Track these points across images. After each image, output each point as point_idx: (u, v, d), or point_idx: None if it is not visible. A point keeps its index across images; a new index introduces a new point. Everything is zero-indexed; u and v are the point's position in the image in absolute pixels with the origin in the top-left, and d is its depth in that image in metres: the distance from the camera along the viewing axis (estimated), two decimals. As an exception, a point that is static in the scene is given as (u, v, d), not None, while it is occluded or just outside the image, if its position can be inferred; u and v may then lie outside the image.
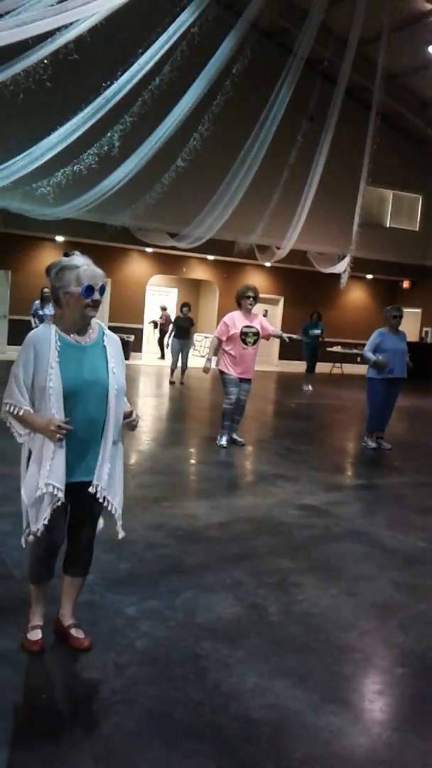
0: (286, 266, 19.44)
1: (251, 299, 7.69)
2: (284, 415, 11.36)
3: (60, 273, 2.81)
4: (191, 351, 15.12)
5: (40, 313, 13.81)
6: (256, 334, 7.70)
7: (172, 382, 14.26)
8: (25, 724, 2.52)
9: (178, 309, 15.58)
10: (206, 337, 21.51)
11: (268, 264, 19.57)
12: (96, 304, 2.83)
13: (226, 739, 2.50)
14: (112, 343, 2.98)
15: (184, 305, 14.70)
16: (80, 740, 2.43)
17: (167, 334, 15.20)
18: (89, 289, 2.77)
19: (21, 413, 2.79)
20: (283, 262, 18.48)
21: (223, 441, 7.85)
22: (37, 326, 14.65)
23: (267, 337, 7.91)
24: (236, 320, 7.70)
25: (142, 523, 4.88)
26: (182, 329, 14.30)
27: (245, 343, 7.63)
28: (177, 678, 2.88)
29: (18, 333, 17.24)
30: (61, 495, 2.78)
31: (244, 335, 7.61)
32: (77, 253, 2.88)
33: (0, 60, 9.08)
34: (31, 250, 18.03)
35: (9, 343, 17.80)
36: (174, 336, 14.38)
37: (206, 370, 7.96)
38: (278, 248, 17.50)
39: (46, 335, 2.83)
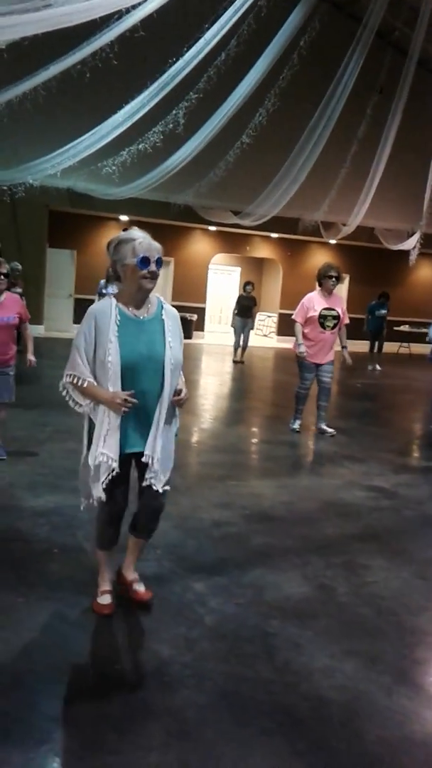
0: (353, 243, 19.04)
1: (334, 279, 7.15)
2: (350, 396, 11.18)
3: (118, 246, 2.87)
4: (253, 331, 15.05)
5: (104, 291, 13.97)
6: (336, 317, 7.16)
7: (235, 361, 14.24)
8: (98, 693, 2.56)
9: (241, 288, 15.50)
10: (269, 316, 21.39)
11: (333, 241, 19.21)
12: (153, 276, 2.84)
13: (298, 718, 2.49)
14: (171, 317, 2.99)
15: (247, 284, 14.63)
16: (153, 712, 2.46)
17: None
18: (144, 261, 2.80)
19: (85, 385, 2.85)
20: (349, 239, 18.10)
21: (296, 425, 7.51)
22: (101, 304, 14.78)
23: (340, 328, 7.32)
24: (315, 302, 7.18)
25: (209, 501, 4.89)
26: (245, 308, 14.26)
27: (323, 327, 7.13)
28: (247, 655, 2.88)
29: (83, 312, 17.57)
30: (115, 465, 2.85)
31: (323, 318, 7.11)
32: (136, 228, 2.92)
33: (70, 41, 9.11)
34: (95, 230, 18.21)
35: (75, 322, 18.08)
36: (236, 314, 14.35)
37: (300, 355, 7.27)
38: (344, 225, 17.13)
39: (107, 308, 2.88)
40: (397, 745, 2.39)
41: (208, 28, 11.36)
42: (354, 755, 2.32)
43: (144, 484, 3.00)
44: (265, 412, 9.37)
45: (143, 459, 2.93)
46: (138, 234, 2.86)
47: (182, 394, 2.95)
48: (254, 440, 7.51)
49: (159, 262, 2.85)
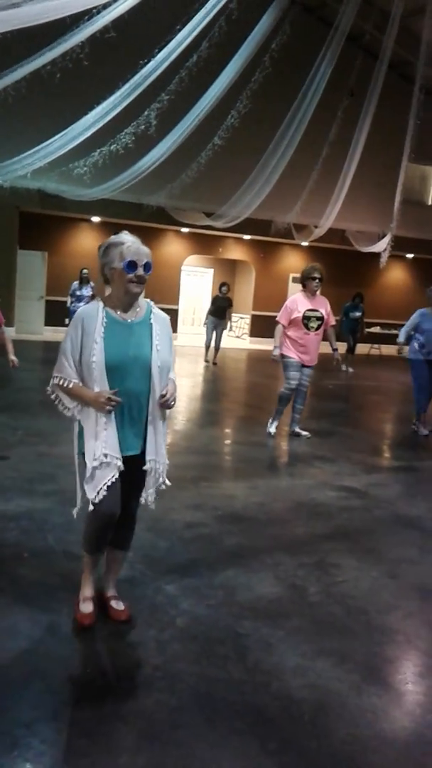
0: (324, 245, 19.17)
1: (317, 281, 7.12)
2: (322, 396, 11.25)
3: (107, 250, 2.88)
4: (226, 332, 15.08)
5: (78, 293, 13.90)
6: (320, 318, 7.15)
7: (207, 362, 14.25)
8: (69, 697, 2.55)
9: (214, 289, 15.52)
10: (241, 318, 21.44)
11: (305, 243, 19.34)
12: (140, 280, 2.86)
13: (269, 717, 2.50)
14: (160, 321, 3.00)
15: (223, 284, 14.64)
16: (124, 715, 2.45)
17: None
18: (131, 265, 2.80)
19: (71, 386, 2.87)
20: (321, 241, 18.24)
21: (273, 428, 7.47)
22: (73, 306, 14.70)
23: (324, 330, 7.31)
24: (299, 303, 7.15)
25: (181, 503, 4.89)
26: (220, 308, 14.28)
27: (307, 328, 7.11)
28: (218, 656, 2.88)
29: (54, 314, 17.51)
30: (119, 464, 2.85)
31: (306, 319, 7.10)
32: (126, 232, 2.93)
33: (39, 42, 9.05)
34: (67, 231, 18.10)
35: (46, 324, 17.96)
36: (211, 314, 14.36)
37: (274, 359, 7.35)
38: (316, 227, 17.26)
39: (94, 311, 2.89)
40: (366, 744, 2.41)
41: (180, 30, 11.37)
42: (324, 754, 2.34)
43: (145, 490, 3.05)
44: (237, 413, 9.40)
45: (147, 466, 2.95)
46: (127, 238, 2.87)
47: (167, 396, 2.94)
48: (227, 441, 7.53)
49: (147, 267, 2.86)
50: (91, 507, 2.91)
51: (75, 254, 17.78)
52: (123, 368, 2.84)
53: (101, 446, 2.83)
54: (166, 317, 3.08)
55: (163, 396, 2.92)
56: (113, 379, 2.83)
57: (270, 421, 7.57)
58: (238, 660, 2.87)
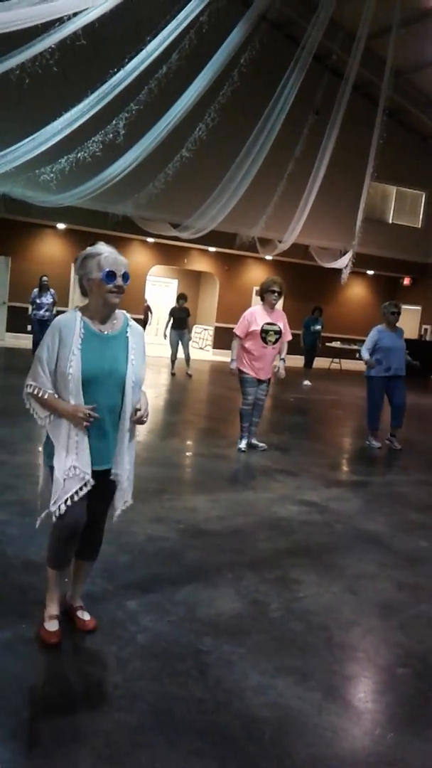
0: (288, 260, 19.38)
1: (276, 294, 7.13)
2: (283, 410, 11.33)
3: (84, 261, 2.86)
4: (190, 342, 15.09)
5: (38, 301, 13.73)
6: (278, 332, 7.15)
7: (173, 374, 14.22)
8: (26, 717, 2.49)
9: (175, 300, 15.53)
10: (205, 329, 21.48)
11: (269, 257, 19.51)
12: (119, 290, 2.85)
13: (229, 737, 2.48)
14: (136, 335, 2.99)
15: (180, 296, 14.64)
16: (82, 735, 2.40)
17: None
18: (110, 275, 2.80)
19: (45, 396, 2.83)
20: (285, 255, 18.44)
21: (242, 444, 7.43)
22: (33, 314, 14.46)
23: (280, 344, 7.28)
24: (257, 316, 7.16)
25: (142, 516, 4.85)
26: (179, 320, 14.27)
27: (265, 342, 7.10)
28: (179, 674, 2.85)
29: (17, 320, 17.31)
30: (89, 478, 2.83)
31: (264, 333, 7.08)
32: (102, 243, 2.92)
33: (9, 45, 8.97)
34: (31, 237, 17.93)
35: (8, 330, 17.72)
36: (171, 327, 14.35)
37: (232, 372, 7.35)
38: (280, 242, 17.44)
39: (71, 322, 2.86)
40: (326, 764, 2.41)
41: (150, 41, 11.41)
42: (285, 774, 2.33)
43: (113, 505, 3.04)
44: (199, 425, 9.39)
45: (111, 477, 2.93)
46: (104, 249, 2.86)
47: (141, 411, 2.92)
48: (188, 453, 7.51)
49: (125, 277, 2.85)
50: (54, 519, 2.87)
51: (39, 260, 17.62)
52: (98, 381, 2.82)
53: (72, 459, 2.81)
54: (142, 331, 3.07)
55: (137, 410, 2.90)
56: (87, 392, 2.80)
57: (239, 438, 7.54)
58: (199, 678, 2.84)
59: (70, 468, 2.80)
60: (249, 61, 12.66)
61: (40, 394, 2.83)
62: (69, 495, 2.81)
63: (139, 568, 3.94)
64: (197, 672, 2.89)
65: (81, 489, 2.83)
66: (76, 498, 2.83)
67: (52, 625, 3.01)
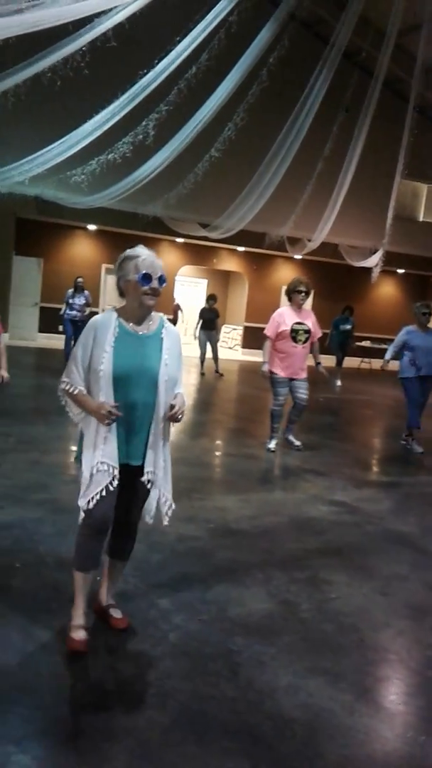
0: (317, 259, 19.29)
1: (303, 294, 7.20)
2: (312, 410, 11.27)
3: (122, 263, 2.92)
4: (218, 343, 15.16)
5: (71, 301, 13.86)
6: (308, 331, 7.20)
7: (202, 374, 14.28)
8: (59, 714, 2.53)
9: (205, 301, 15.60)
10: (234, 329, 21.48)
11: (298, 256, 19.43)
12: (154, 293, 2.88)
13: (260, 737, 2.49)
14: (171, 336, 3.02)
15: (209, 297, 14.73)
16: (115, 733, 2.43)
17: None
18: (146, 277, 2.84)
19: (75, 392, 2.88)
20: (314, 254, 18.34)
21: (272, 445, 7.42)
22: (66, 314, 14.61)
23: (312, 343, 7.33)
24: (286, 317, 7.21)
25: (173, 515, 4.81)
26: (208, 321, 14.37)
27: (295, 341, 7.14)
28: (210, 673, 2.87)
29: (48, 320, 17.49)
30: (116, 472, 2.85)
31: (294, 332, 7.13)
32: (141, 246, 2.96)
33: (41, 46, 9.06)
34: (63, 239, 18.11)
35: (40, 331, 17.92)
36: (201, 328, 14.45)
37: (264, 375, 7.34)
38: (309, 240, 17.36)
39: (108, 321, 2.91)
40: (357, 765, 2.40)
41: (180, 41, 11.44)
42: (316, 775, 2.33)
43: (151, 504, 3.02)
44: (229, 425, 9.40)
45: (145, 477, 2.93)
46: (142, 251, 2.90)
47: (176, 408, 2.92)
48: (218, 453, 7.52)
49: (161, 280, 2.89)
50: (82, 515, 2.90)
51: (70, 262, 17.80)
52: (130, 379, 2.85)
53: (99, 455, 2.84)
54: (178, 333, 3.11)
55: (172, 407, 2.91)
56: (119, 390, 2.84)
57: (268, 438, 7.53)
58: (230, 677, 2.86)
59: (98, 463, 2.84)
60: (278, 60, 12.62)
61: (71, 390, 2.89)
62: (98, 490, 2.84)
63: (170, 567, 3.96)
64: (228, 671, 2.90)
65: (110, 484, 2.85)
66: (104, 493, 2.85)
67: (78, 634, 2.95)
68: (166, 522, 3.06)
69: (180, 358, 3.03)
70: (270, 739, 2.49)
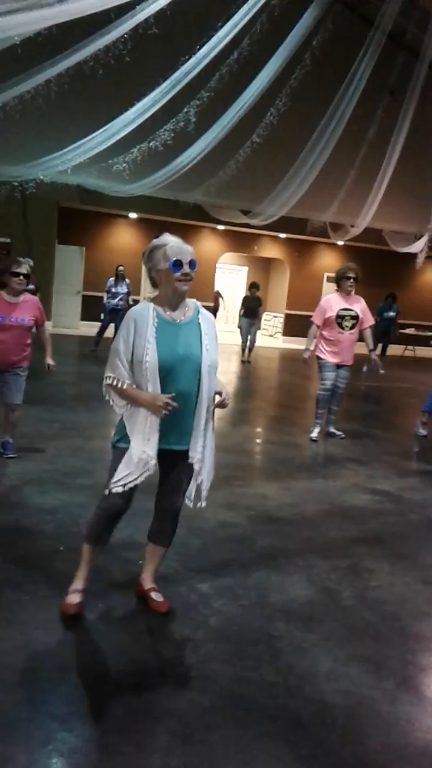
0: (360, 245, 19.03)
1: (351, 280, 7.07)
2: (354, 398, 11.16)
3: (151, 254, 2.93)
4: (259, 331, 15.12)
5: (113, 290, 13.96)
6: (355, 317, 7.09)
7: (243, 361, 14.28)
8: (102, 695, 2.57)
9: (246, 288, 15.56)
10: (275, 316, 21.38)
11: (341, 242, 19.20)
12: (187, 278, 2.89)
13: (301, 722, 2.49)
14: (207, 321, 3.04)
15: (252, 285, 14.69)
16: (157, 714, 2.46)
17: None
18: (177, 264, 2.85)
19: (124, 387, 2.90)
20: (357, 240, 18.07)
21: (315, 432, 7.39)
22: (107, 302, 14.70)
23: (360, 331, 7.23)
24: (333, 303, 7.10)
25: (213, 501, 4.84)
26: (250, 309, 14.35)
27: (341, 327, 7.05)
28: (251, 657, 2.88)
29: (91, 309, 17.66)
30: (153, 463, 2.89)
31: (340, 318, 7.04)
32: (167, 233, 2.96)
33: (81, 34, 9.10)
34: (105, 227, 18.23)
35: (82, 319, 18.11)
36: (242, 315, 14.44)
37: (305, 360, 7.25)
38: (353, 226, 17.11)
39: (145, 312, 2.92)
40: (399, 753, 2.39)
41: (221, 26, 11.34)
42: (357, 762, 2.32)
43: (189, 488, 3.04)
44: (270, 412, 9.37)
45: (191, 461, 2.97)
46: (169, 239, 2.91)
47: (224, 395, 2.99)
48: (259, 441, 7.52)
49: (192, 264, 2.89)
50: (106, 492, 2.95)
51: (112, 250, 17.91)
52: (174, 368, 2.88)
53: (143, 443, 2.88)
54: (213, 318, 3.12)
55: (219, 393, 2.97)
56: (164, 379, 2.86)
57: (312, 425, 7.50)
58: (270, 662, 2.87)
59: (141, 452, 2.87)
60: (321, 44, 12.43)
61: (119, 385, 2.90)
62: (133, 479, 2.88)
63: (210, 553, 3.98)
64: (269, 656, 2.91)
65: (142, 475, 2.89)
66: (133, 484, 2.89)
67: (72, 598, 3.09)
68: (203, 504, 3.07)
69: (217, 342, 3.05)
70: (310, 724, 2.49)
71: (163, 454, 2.96)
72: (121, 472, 2.90)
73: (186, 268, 2.87)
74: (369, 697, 2.69)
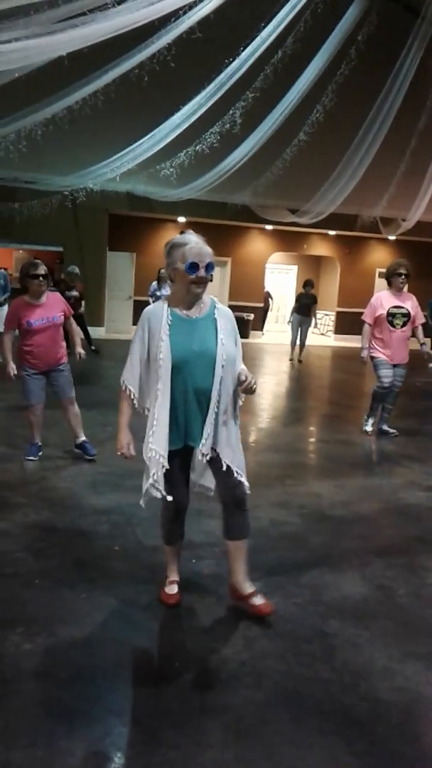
0: (413, 239, 18.70)
1: (403, 277, 6.94)
2: (409, 394, 10.97)
3: (171, 250, 2.94)
4: (311, 329, 15.02)
5: (158, 293, 14.12)
6: (407, 315, 6.95)
7: (291, 360, 14.21)
8: (158, 689, 2.61)
9: (299, 286, 15.50)
10: (326, 314, 21.20)
11: (392, 237, 18.91)
12: (201, 281, 2.89)
13: (356, 719, 2.48)
14: (223, 315, 3.04)
15: (306, 283, 14.60)
16: (211, 709, 2.49)
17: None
18: (193, 266, 2.85)
19: (127, 392, 3.04)
20: (409, 234, 17.77)
21: (368, 426, 7.35)
22: (153, 306, 14.79)
23: (412, 329, 7.11)
24: (383, 300, 6.98)
25: (266, 500, 4.90)
26: (304, 306, 14.27)
27: (392, 326, 6.93)
28: (305, 654, 2.88)
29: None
30: (163, 460, 2.94)
31: (391, 316, 6.92)
32: (191, 231, 2.97)
33: (128, 44, 9.24)
34: (154, 232, 18.42)
35: (134, 323, 18.32)
36: (296, 312, 14.37)
37: (363, 361, 7.19)
38: (404, 220, 16.84)
39: (159, 310, 2.97)
40: (458, 750, 2.35)
41: (265, 27, 11.34)
42: (411, 758, 2.30)
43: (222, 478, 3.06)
44: (322, 411, 9.31)
45: (201, 456, 2.97)
46: (191, 238, 2.91)
47: (248, 380, 2.95)
48: (312, 439, 7.48)
49: (209, 268, 2.89)
50: (143, 500, 3.07)
51: (161, 255, 18.00)
52: (188, 364, 2.89)
53: (152, 441, 2.95)
54: (230, 312, 3.11)
55: (241, 382, 2.96)
56: (178, 375, 2.89)
57: (365, 419, 7.45)
58: (325, 659, 2.86)
59: (149, 449, 2.95)
60: (366, 37, 12.28)
61: (126, 391, 3.04)
62: (152, 475, 2.95)
63: (263, 551, 3.99)
64: (323, 653, 2.90)
65: (162, 470, 2.95)
66: (156, 477, 2.95)
67: (171, 589, 3.26)
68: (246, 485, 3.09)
69: (236, 336, 3.04)
70: (366, 720, 2.48)
71: (189, 451, 3.03)
72: (149, 474, 2.98)
73: (201, 272, 2.86)
74: (426, 695, 2.65)
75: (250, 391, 2.98)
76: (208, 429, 2.94)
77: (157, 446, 2.93)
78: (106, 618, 3.09)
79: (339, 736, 2.38)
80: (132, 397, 3.03)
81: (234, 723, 2.42)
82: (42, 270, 5.36)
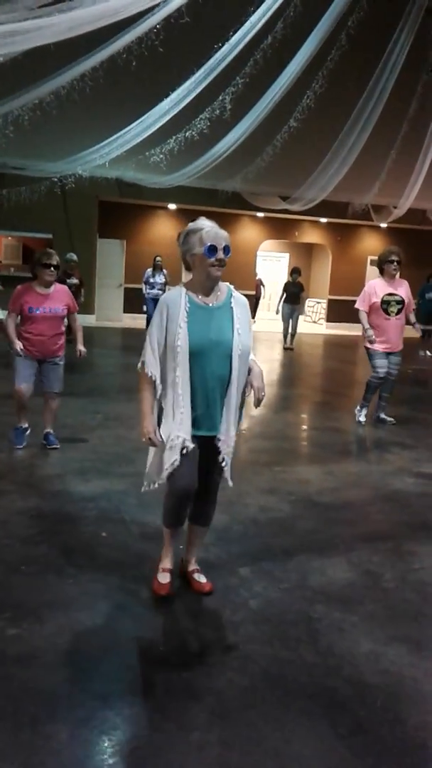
0: (404, 226, 18.69)
1: (395, 264, 6.91)
2: (400, 381, 11.00)
3: (186, 237, 2.95)
4: (301, 317, 15.01)
5: (152, 281, 14.07)
6: (401, 302, 6.93)
7: (285, 348, 14.21)
8: (143, 673, 2.62)
9: (288, 274, 15.47)
10: (318, 303, 21.20)
11: (384, 225, 18.90)
12: (221, 264, 2.91)
13: (340, 701, 2.50)
14: (240, 305, 3.05)
15: (293, 271, 14.57)
16: (197, 692, 2.50)
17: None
18: (212, 249, 2.86)
19: (149, 375, 2.97)
20: (401, 222, 17.75)
21: (362, 417, 7.33)
22: (147, 293, 14.84)
23: (406, 315, 7.10)
24: (377, 288, 6.95)
25: (255, 487, 4.92)
26: (292, 295, 14.23)
27: (387, 313, 6.91)
28: (290, 639, 2.89)
29: (133, 301, 17.81)
30: (189, 444, 2.93)
31: (385, 304, 6.89)
32: (203, 218, 2.98)
33: (115, 28, 9.13)
34: (144, 219, 18.34)
35: (125, 311, 18.28)
36: (284, 301, 14.34)
37: (370, 340, 7.04)
38: (395, 207, 16.81)
39: (177, 297, 2.96)
40: (441, 731, 2.37)
41: (254, 11, 11.23)
42: (396, 740, 2.31)
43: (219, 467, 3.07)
44: (313, 398, 9.32)
45: (217, 442, 3.00)
46: (205, 223, 2.93)
47: (260, 387, 3.02)
48: (302, 427, 7.49)
49: (226, 250, 2.91)
50: (165, 483, 3.02)
51: (152, 242, 18.00)
52: (204, 352, 2.90)
53: (176, 427, 2.91)
54: (245, 301, 3.13)
55: (258, 389, 3.01)
56: (196, 363, 2.90)
57: (358, 409, 7.44)
58: (310, 643, 2.87)
59: (175, 436, 2.91)
60: (357, 22, 12.19)
61: (146, 372, 2.98)
62: (172, 462, 2.92)
63: (251, 537, 4.00)
64: (308, 637, 2.92)
65: (182, 454, 2.92)
66: (182, 463, 2.92)
67: (163, 578, 3.21)
68: (230, 484, 3.12)
69: (250, 326, 3.06)
70: (350, 703, 2.49)
71: (198, 440, 2.99)
72: (168, 460, 2.95)
73: (220, 254, 2.88)
74: (409, 677, 2.67)
75: (258, 401, 3.04)
76: (225, 418, 2.99)
77: (182, 432, 2.92)
78: (93, 603, 3.09)
79: (324, 718, 2.39)
80: (155, 381, 2.99)
81: (219, 706, 2.43)
82: (54, 260, 5.33)
